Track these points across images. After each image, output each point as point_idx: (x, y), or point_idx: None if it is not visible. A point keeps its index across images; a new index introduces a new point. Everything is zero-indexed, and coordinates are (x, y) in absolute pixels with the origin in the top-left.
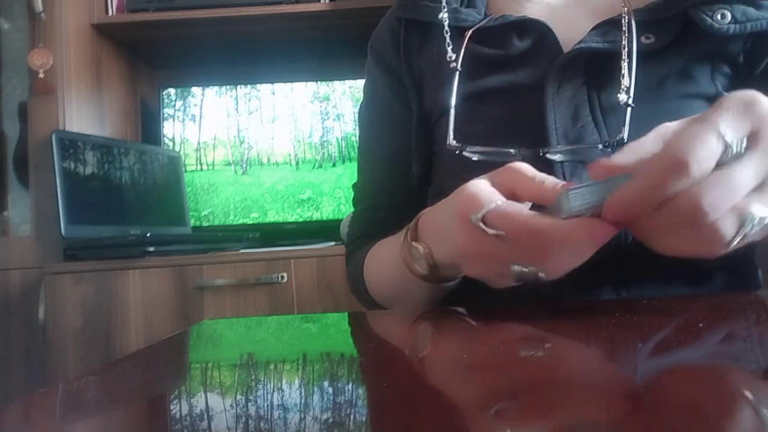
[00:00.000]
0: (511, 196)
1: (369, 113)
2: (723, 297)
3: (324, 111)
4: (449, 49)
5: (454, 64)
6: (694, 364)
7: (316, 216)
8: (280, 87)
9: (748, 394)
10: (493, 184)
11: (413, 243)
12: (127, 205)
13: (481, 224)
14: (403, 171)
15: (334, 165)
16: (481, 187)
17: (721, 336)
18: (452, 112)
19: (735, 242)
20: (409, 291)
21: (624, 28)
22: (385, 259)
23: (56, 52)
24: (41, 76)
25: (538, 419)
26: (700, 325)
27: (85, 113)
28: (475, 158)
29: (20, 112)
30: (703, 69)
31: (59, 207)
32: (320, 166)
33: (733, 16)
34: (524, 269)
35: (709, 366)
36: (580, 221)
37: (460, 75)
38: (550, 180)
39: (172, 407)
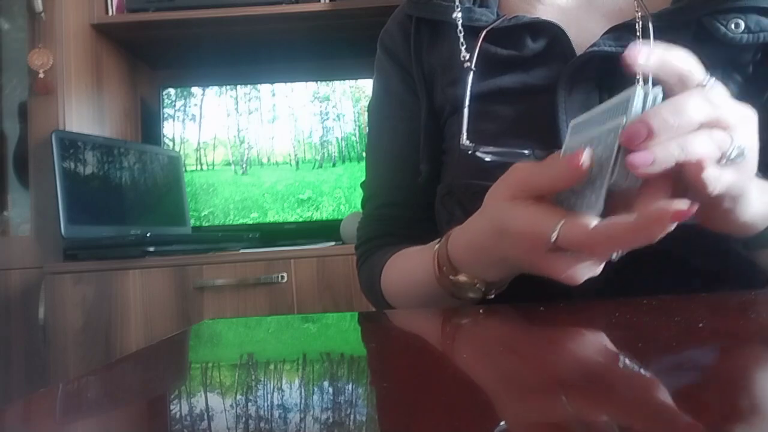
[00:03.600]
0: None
1: (381, 109)
2: (723, 297)
3: (324, 111)
4: (463, 48)
5: (468, 63)
6: (694, 365)
7: (316, 216)
8: (280, 87)
9: (748, 393)
10: (517, 194)
11: (456, 277)
12: (127, 205)
13: (558, 251)
14: (414, 167)
15: (334, 165)
16: (535, 211)
17: (721, 336)
18: (466, 112)
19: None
20: (447, 303)
21: (638, 33)
22: (409, 277)
23: (56, 52)
24: (41, 76)
25: (538, 418)
26: (700, 325)
27: (85, 113)
28: (488, 158)
29: (20, 112)
30: (714, 77)
31: (59, 207)
32: (320, 166)
33: (746, 26)
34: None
35: (710, 366)
36: (649, 214)
37: (473, 74)
38: (557, 166)
39: (172, 407)
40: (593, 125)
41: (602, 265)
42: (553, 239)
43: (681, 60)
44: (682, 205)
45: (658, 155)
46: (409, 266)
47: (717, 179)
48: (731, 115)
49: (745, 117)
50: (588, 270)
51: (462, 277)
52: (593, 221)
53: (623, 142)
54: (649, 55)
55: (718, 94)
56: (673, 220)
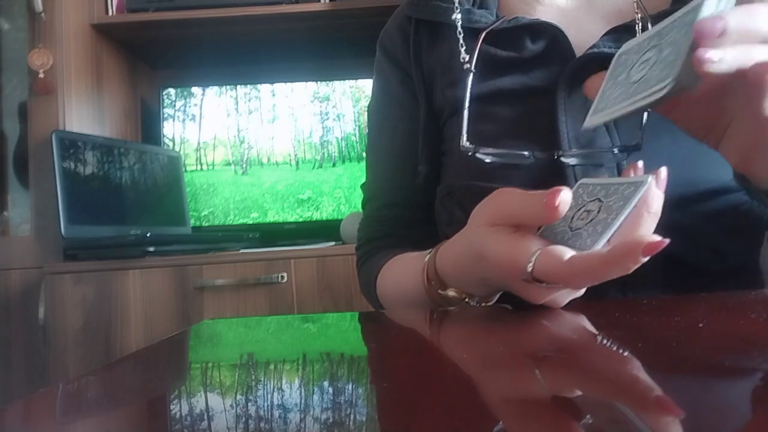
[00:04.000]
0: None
1: (380, 110)
2: (723, 297)
3: (324, 111)
4: (462, 49)
5: (468, 65)
6: (694, 364)
7: (316, 216)
8: (280, 87)
9: (749, 394)
10: (497, 221)
11: (444, 292)
12: (127, 205)
13: (534, 282)
14: (414, 167)
15: (334, 165)
16: (512, 241)
17: (721, 336)
18: (466, 113)
19: None
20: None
21: (638, 35)
22: (403, 285)
23: (56, 52)
24: (41, 76)
25: (538, 417)
26: (700, 325)
27: (85, 113)
28: (487, 160)
29: (20, 112)
30: None
31: (59, 207)
32: (320, 166)
33: None
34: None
35: (710, 366)
36: (622, 248)
37: (472, 76)
38: (540, 199)
39: (172, 407)
40: (638, 58)
41: (584, 290)
42: (528, 270)
43: None
44: (654, 238)
45: (726, 54)
46: (403, 272)
47: None
48: None
49: None
50: (569, 295)
51: (451, 292)
52: (567, 254)
53: (695, 35)
54: None
55: None
56: (645, 254)
